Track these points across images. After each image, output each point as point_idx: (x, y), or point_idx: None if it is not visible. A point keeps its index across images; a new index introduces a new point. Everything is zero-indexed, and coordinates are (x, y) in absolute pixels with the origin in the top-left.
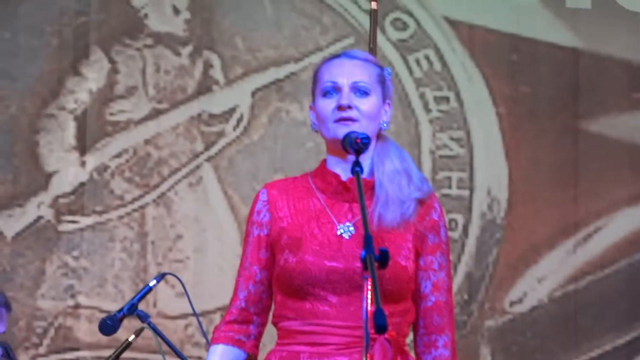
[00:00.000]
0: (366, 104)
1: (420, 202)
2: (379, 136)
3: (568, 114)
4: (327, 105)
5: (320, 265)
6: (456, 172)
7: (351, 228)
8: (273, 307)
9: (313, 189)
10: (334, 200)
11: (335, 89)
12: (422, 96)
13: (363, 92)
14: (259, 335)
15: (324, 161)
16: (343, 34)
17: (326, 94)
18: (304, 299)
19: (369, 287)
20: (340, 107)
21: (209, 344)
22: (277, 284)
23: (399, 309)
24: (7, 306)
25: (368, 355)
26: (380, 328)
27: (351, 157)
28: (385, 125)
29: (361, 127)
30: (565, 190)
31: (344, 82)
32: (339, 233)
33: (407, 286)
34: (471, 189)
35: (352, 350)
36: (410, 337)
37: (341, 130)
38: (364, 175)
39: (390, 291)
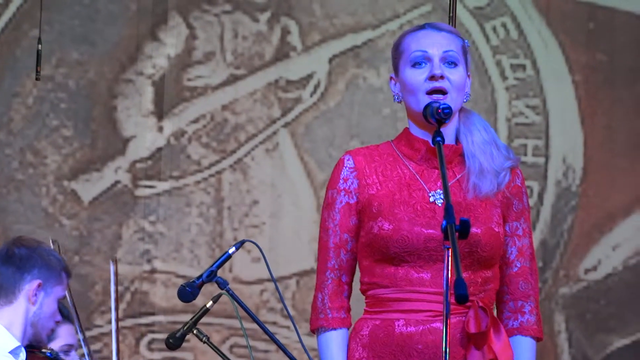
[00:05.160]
0: (456, 75)
1: (511, 170)
2: (461, 107)
3: None
4: (417, 75)
5: (418, 233)
6: (532, 139)
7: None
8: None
9: (399, 157)
10: (422, 167)
11: (426, 59)
12: (498, 64)
13: (452, 63)
14: (350, 306)
15: (407, 129)
16: (420, 1)
17: (416, 64)
18: (398, 265)
19: (450, 257)
20: (432, 77)
21: (286, 310)
22: (367, 251)
23: (491, 274)
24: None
25: (464, 322)
26: (461, 298)
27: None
28: (467, 96)
29: (451, 98)
30: None
31: (435, 52)
32: (431, 200)
33: (499, 252)
34: (547, 157)
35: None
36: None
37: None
38: (449, 142)
39: (485, 257)
